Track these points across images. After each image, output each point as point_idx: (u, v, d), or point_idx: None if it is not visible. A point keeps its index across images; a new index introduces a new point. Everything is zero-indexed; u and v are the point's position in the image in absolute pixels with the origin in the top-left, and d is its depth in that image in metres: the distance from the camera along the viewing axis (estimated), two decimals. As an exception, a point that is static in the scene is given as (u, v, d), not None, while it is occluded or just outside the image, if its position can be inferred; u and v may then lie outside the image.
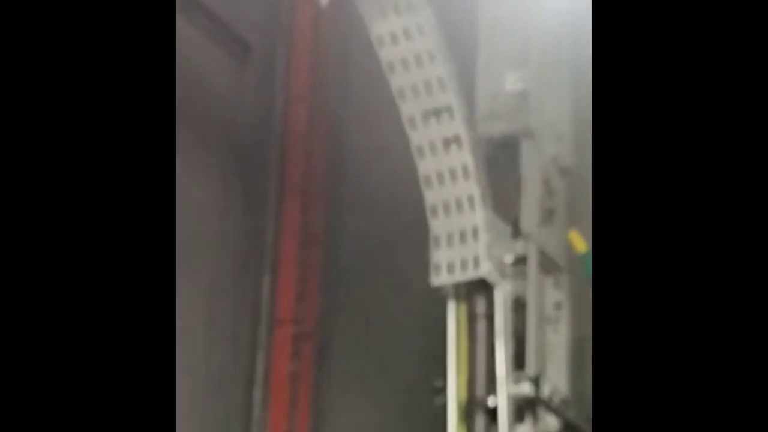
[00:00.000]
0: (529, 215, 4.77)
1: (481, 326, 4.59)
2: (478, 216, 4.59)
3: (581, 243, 4.64)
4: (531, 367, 4.51)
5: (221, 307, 6.13)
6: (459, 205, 4.62)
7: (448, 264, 4.60)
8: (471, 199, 4.60)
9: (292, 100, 6.48)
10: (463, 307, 4.62)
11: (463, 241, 4.60)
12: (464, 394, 4.51)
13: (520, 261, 4.65)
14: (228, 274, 6.21)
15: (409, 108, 4.68)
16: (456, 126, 4.63)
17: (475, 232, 4.58)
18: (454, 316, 4.62)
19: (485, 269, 4.53)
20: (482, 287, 4.58)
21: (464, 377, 4.53)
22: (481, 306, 4.60)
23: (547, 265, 4.75)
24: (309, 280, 6.28)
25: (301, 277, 6.25)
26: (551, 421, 4.54)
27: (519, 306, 4.62)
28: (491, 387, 4.50)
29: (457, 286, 4.62)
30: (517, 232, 4.71)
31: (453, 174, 4.65)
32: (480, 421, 4.47)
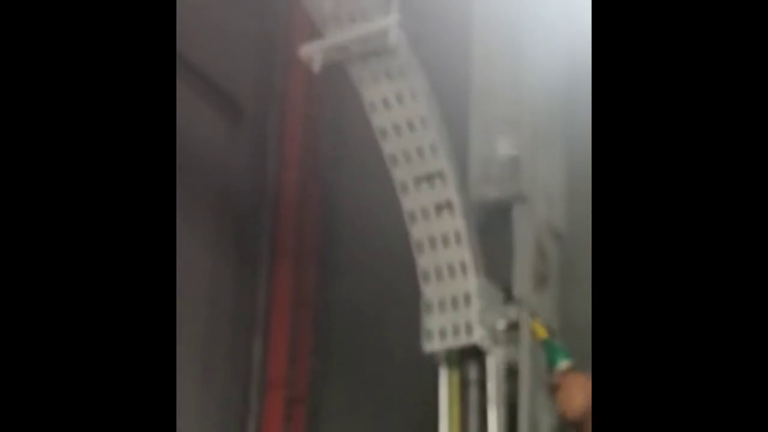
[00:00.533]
0: (522, 280, 4.76)
1: (473, 392, 4.56)
2: (470, 282, 4.57)
3: (542, 331, 4.62)
4: (527, 435, 4.43)
5: (213, 369, 6.11)
6: (451, 271, 4.61)
7: (440, 330, 4.58)
8: (463, 265, 4.59)
9: (285, 163, 6.49)
10: (455, 374, 4.60)
11: (455, 307, 4.58)
12: (458, 464, 4.45)
13: (513, 327, 4.63)
14: (220, 336, 6.19)
15: (401, 173, 4.68)
16: (448, 191, 4.63)
17: (467, 298, 4.56)
18: (446, 382, 4.59)
19: (477, 335, 4.51)
20: (474, 353, 4.56)
21: (457, 446, 4.44)
22: (473, 372, 4.58)
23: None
24: (301, 342, 6.26)
25: (293, 340, 6.24)
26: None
27: (512, 372, 4.59)
28: (486, 457, 4.45)
29: (449, 353, 4.60)
30: (509, 298, 4.70)
31: (445, 239, 4.63)
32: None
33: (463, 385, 4.59)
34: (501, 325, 4.60)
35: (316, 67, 4.71)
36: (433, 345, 4.59)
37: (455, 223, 4.61)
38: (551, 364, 4.51)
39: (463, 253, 4.59)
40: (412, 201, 4.68)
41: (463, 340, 4.55)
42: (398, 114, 4.66)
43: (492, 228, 4.81)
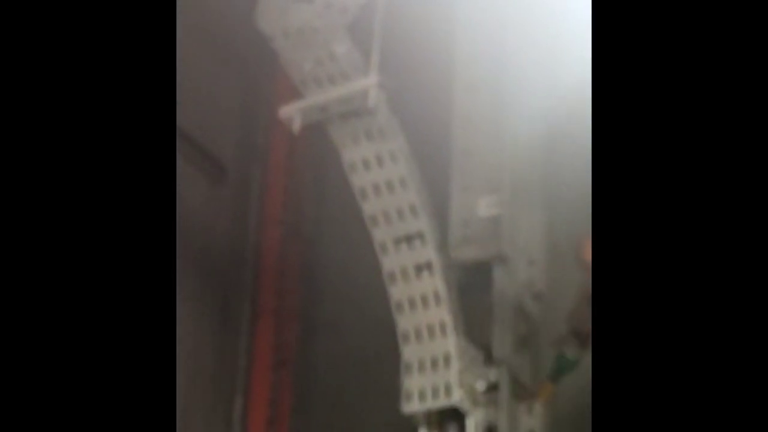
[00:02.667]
0: (502, 341, 4.76)
1: None
2: (450, 343, 4.56)
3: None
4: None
5: (192, 428, 6.08)
6: (431, 332, 4.61)
7: (420, 391, 4.57)
8: (443, 326, 4.59)
9: (267, 222, 6.50)
10: (435, 437, 4.55)
11: (434, 368, 4.57)
12: None
13: (493, 388, 4.61)
14: (200, 395, 6.16)
15: (380, 234, 4.69)
16: (428, 252, 4.63)
17: (446, 359, 4.55)
18: (425, 446, 4.54)
19: (457, 397, 4.50)
20: (454, 415, 4.54)
21: None
22: None
23: (520, 392, 4.73)
24: (281, 402, 6.25)
25: (273, 400, 6.23)
26: None
27: (491, 434, 4.53)
28: None
29: (429, 414, 4.58)
30: (489, 359, 4.69)
31: (425, 300, 4.63)
32: None
33: (443, 448, 4.54)
34: (481, 386, 4.59)
35: (296, 127, 4.74)
36: (413, 406, 4.58)
37: (435, 283, 4.61)
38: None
39: (442, 313, 4.59)
40: (391, 262, 4.68)
41: (442, 402, 4.53)
42: (378, 175, 4.67)
43: (472, 288, 4.81)
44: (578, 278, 4.61)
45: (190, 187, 6.27)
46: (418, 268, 4.65)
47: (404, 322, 4.65)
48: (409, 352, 4.62)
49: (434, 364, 4.57)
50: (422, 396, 4.57)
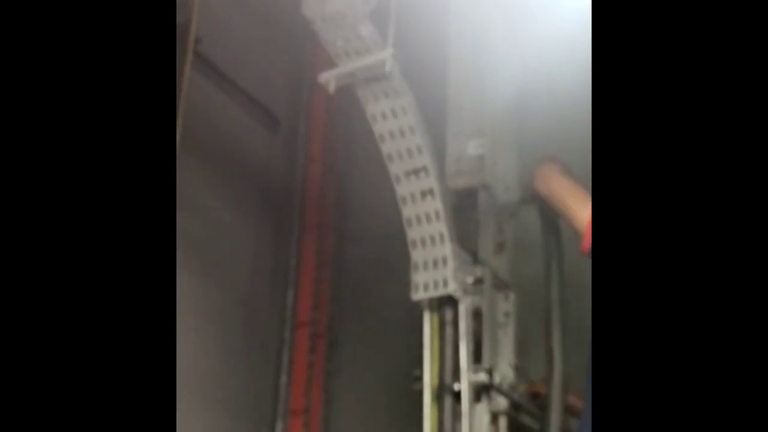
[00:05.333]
0: (485, 247, 4.74)
1: (448, 330, 4.55)
2: (447, 248, 4.56)
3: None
4: (486, 361, 4.48)
5: (256, 313, 6.14)
6: (432, 240, 4.60)
7: (425, 284, 4.58)
8: (441, 236, 4.58)
9: (310, 160, 6.52)
10: (435, 316, 4.59)
11: (435, 267, 4.57)
12: (436, 381, 4.46)
13: (479, 281, 4.61)
14: (261, 289, 6.22)
15: (395, 168, 4.67)
16: (430, 181, 4.62)
17: (444, 261, 4.55)
18: (428, 322, 4.58)
19: (452, 288, 4.50)
20: (450, 301, 4.54)
21: (436, 368, 4.48)
22: (448, 315, 4.56)
23: (499, 284, 4.72)
24: (322, 293, 6.29)
25: (316, 292, 6.26)
26: (501, 401, 4.50)
27: (477, 315, 4.58)
28: (456, 376, 4.44)
29: (431, 301, 4.58)
30: (476, 260, 4.67)
31: (428, 217, 4.62)
32: (448, 401, 4.43)
33: (441, 324, 4.58)
34: (470, 280, 4.59)
35: (332, 89, 4.70)
36: (419, 295, 4.58)
37: (436, 205, 4.61)
38: None
39: (441, 227, 4.59)
40: (403, 189, 4.67)
41: (441, 292, 4.54)
42: (393, 123, 4.65)
43: (463, 209, 4.78)
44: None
45: (252, 135, 6.30)
46: (423, 194, 4.63)
47: (413, 233, 4.65)
48: (417, 255, 4.62)
49: (435, 264, 4.58)
50: (426, 287, 4.57)
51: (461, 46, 5.03)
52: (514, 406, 4.56)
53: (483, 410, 4.44)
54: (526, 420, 4.62)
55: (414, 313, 4.69)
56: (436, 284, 4.55)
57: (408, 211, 4.66)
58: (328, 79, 4.69)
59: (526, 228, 4.86)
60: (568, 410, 4.42)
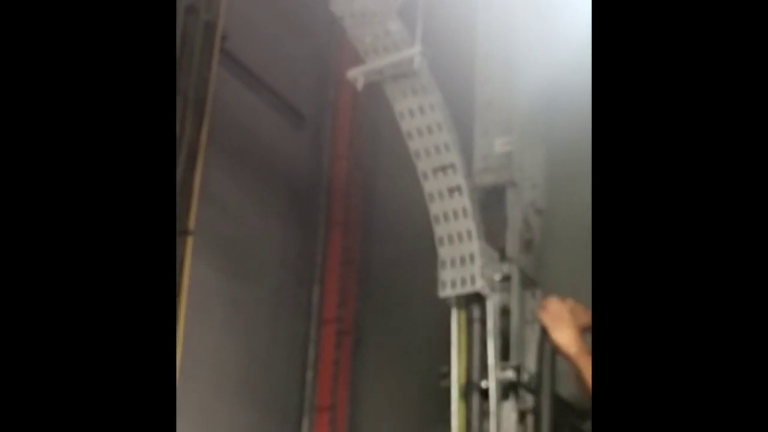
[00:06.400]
0: (513, 245, 4.72)
1: (476, 328, 4.54)
2: (474, 245, 4.56)
3: None
4: (514, 359, 4.46)
5: (282, 310, 6.15)
6: (460, 237, 4.60)
7: (452, 281, 4.57)
8: (469, 233, 4.58)
9: (336, 157, 6.52)
10: (463, 314, 4.58)
11: (462, 264, 4.57)
12: (464, 378, 4.45)
13: (506, 279, 4.60)
14: (287, 286, 6.23)
15: (422, 165, 4.67)
16: (458, 178, 4.62)
17: (472, 257, 4.55)
18: (456, 320, 4.58)
19: (479, 285, 4.50)
20: (477, 299, 4.53)
21: (464, 366, 4.47)
22: (476, 312, 4.55)
23: (526, 281, 4.69)
24: (347, 290, 6.29)
25: (342, 288, 6.27)
26: (528, 399, 4.47)
27: (505, 312, 4.56)
28: (484, 373, 4.44)
29: (459, 298, 4.58)
30: (503, 257, 4.66)
31: (455, 214, 4.62)
32: (475, 398, 4.42)
33: (469, 322, 4.57)
34: (497, 277, 4.58)
35: (360, 86, 4.71)
36: (447, 292, 4.58)
37: (463, 201, 4.61)
38: None
39: (469, 224, 4.58)
40: (431, 186, 4.67)
41: (468, 289, 4.54)
42: (420, 120, 4.65)
43: (490, 206, 4.77)
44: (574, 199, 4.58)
45: (278, 131, 6.32)
46: (451, 190, 4.63)
47: (440, 230, 4.64)
48: (444, 253, 4.62)
49: (462, 261, 4.57)
50: (453, 284, 4.57)
51: (489, 44, 5.01)
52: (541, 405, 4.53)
53: (510, 408, 4.43)
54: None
55: (440, 310, 4.68)
56: (463, 281, 4.55)
57: (435, 208, 4.65)
58: (356, 75, 4.69)
59: (554, 224, 4.85)
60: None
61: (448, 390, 4.48)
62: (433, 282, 4.63)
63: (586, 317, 3.87)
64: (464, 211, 4.59)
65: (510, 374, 4.41)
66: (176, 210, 4.73)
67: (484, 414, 4.40)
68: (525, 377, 4.42)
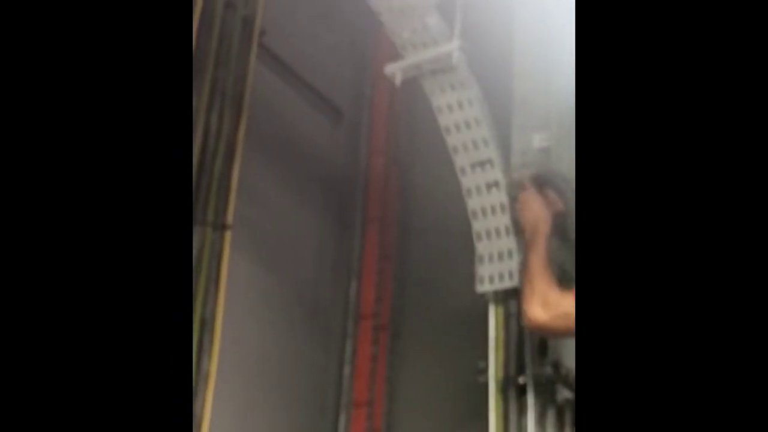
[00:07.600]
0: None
1: (513, 323, 4.55)
2: (512, 241, 4.57)
3: None
4: (551, 354, 4.46)
5: (320, 305, 6.17)
6: (498, 233, 4.61)
7: (490, 276, 4.60)
8: (507, 228, 4.60)
9: (373, 152, 6.52)
10: (500, 309, 4.60)
11: (500, 259, 4.59)
12: (501, 374, 4.47)
13: None
14: (325, 281, 6.25)
15: (461, 160, 4.69)
16: (496, 173, 4.63)
17: (509, 253, 4.56)
18: (493, 315, 4.59)
19: (517, 280, 4.49)
20: (514, 294, 4.53)
21: (501, 361, 4.49)
22: (513, 307, 4.56)
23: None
24: (385, 286, 6.29)
25: (379, 284, 6.27)
26: (567, 394, 4.47)
27: (542, 308, 4.55)
28: (521, 369, 4.45)
29: (496, 293, 4.60)
30: None
31: (493, 209, 4.64)
32: (513, 394, 4.44)
33: (506, 317, 4.58)
34: (534, 272, 4.56)
35: (398, 81, 4.73)
36: (485, 287, 4.60)
37: (501, 197, 4.62)
38: None
39: (506, 219, 4.59)
40: (469, 181, 4.68)
41: (506, 284, 4.55)
42: (458, 115, 4.66)
43: (528, 201, 4.76)
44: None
45: (316, 128, 6.33)
46: (488, 186, 4.64)
47: (478, 226, 4.66)
48: (482, 248, 4.63)
49: (500, 256, 4.59)
50: (491, 280, 4.59)
51: (527, 38, 5.00)
52: (579, 400, 4.54)
53: (548, 403, 4.42)
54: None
55: (478, 305, 4.69)
56: (501, 276, 4.56)
57: (473, 203, 4.66)
58: (394, 71, 4.71)
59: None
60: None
61: (485, 385, 4.49)
62: (470, 277, 4.65)
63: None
64: (501, 206, 4.61)
65: (548, 370, 4.41)
66: (214, 204, 4.75)
67: (522, 409, 4.41)
68: (563, 372, 4.42)
